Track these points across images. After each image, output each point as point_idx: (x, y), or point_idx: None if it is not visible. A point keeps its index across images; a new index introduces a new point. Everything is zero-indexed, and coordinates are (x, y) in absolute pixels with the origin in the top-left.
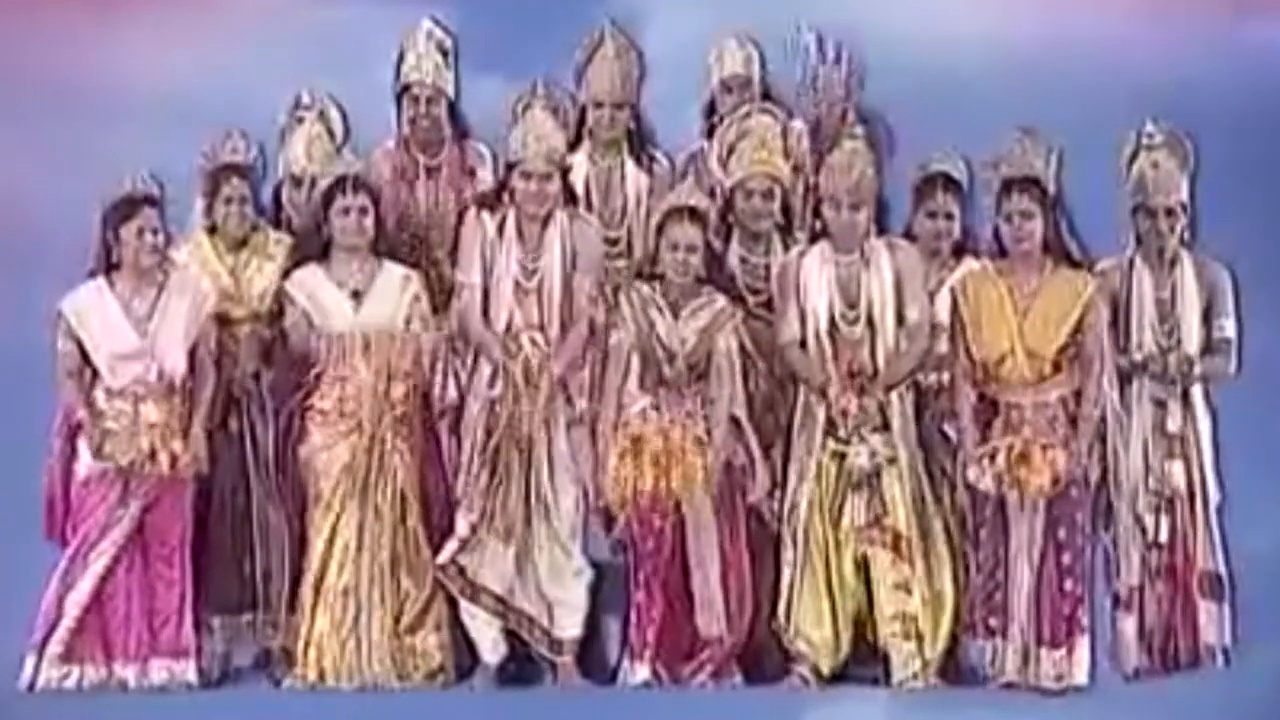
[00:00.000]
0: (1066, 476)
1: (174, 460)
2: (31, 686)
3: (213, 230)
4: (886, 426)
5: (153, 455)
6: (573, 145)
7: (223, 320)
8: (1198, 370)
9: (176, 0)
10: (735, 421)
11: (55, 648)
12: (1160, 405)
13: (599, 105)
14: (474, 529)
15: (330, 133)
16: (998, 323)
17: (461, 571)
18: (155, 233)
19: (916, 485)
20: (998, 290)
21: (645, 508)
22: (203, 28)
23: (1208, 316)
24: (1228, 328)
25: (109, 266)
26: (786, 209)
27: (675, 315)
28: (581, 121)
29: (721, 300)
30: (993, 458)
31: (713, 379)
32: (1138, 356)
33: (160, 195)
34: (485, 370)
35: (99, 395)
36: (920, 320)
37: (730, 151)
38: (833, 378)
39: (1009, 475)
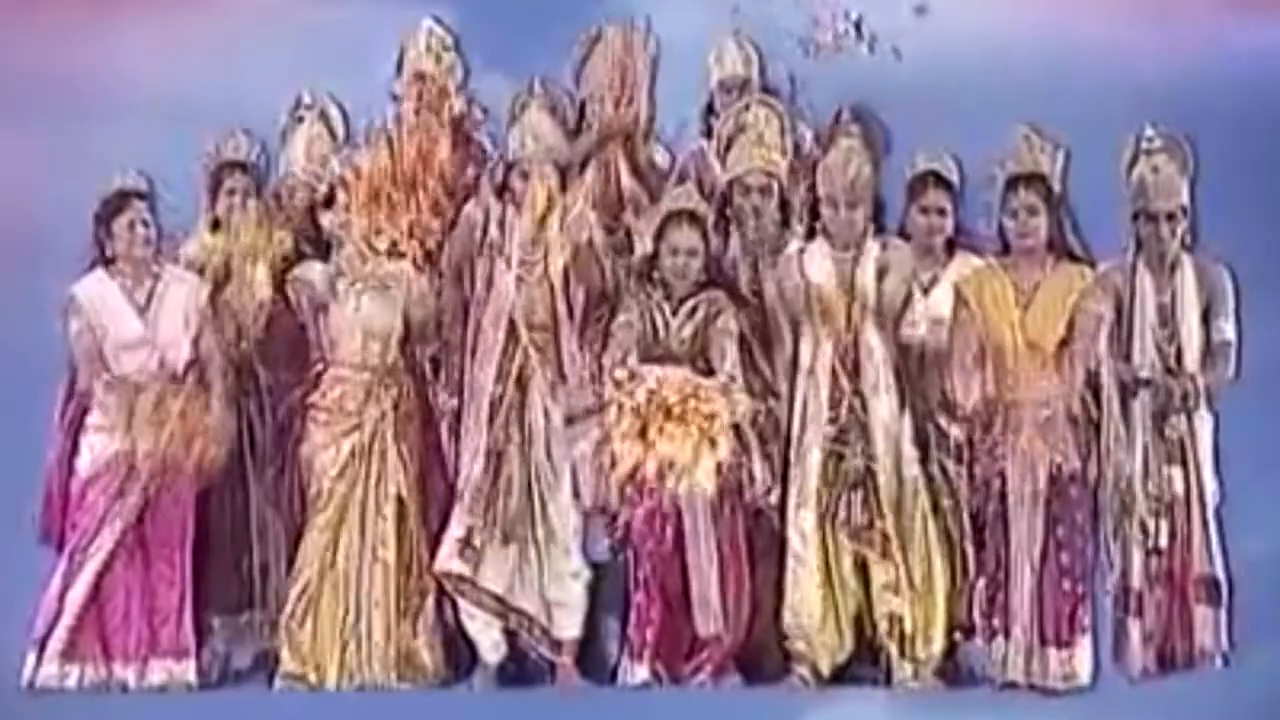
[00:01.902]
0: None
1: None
2: (32, 685)
3: (216, 226)
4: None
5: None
6: (585, 152)
7: (225, 315)
8: (1201, 385)
9: (177, 0)
10: (735, 425)
11: (56, 645)
12: (1161, 410)
13: (598, 100)
14: (473, 530)
15: (330, 133)
16: (1000, 315)
17: (460, 573)
18: (146, 225)
19: (906, 486)
20: (1001, 284)
21: (646, 508)
22: (203, 28)
23: (1207, 318)
24: (1227, 330)
25: (106, 261)
26: (784, 203)
27: (674, 313)
28: (581, 117)
29: (716, 292)
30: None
31: (714, 355)
32: (1143, 373)
33: (150, 189)
34: (486, 367)
35: (98, 386)
36: (894, 293)
37: (728, 146)
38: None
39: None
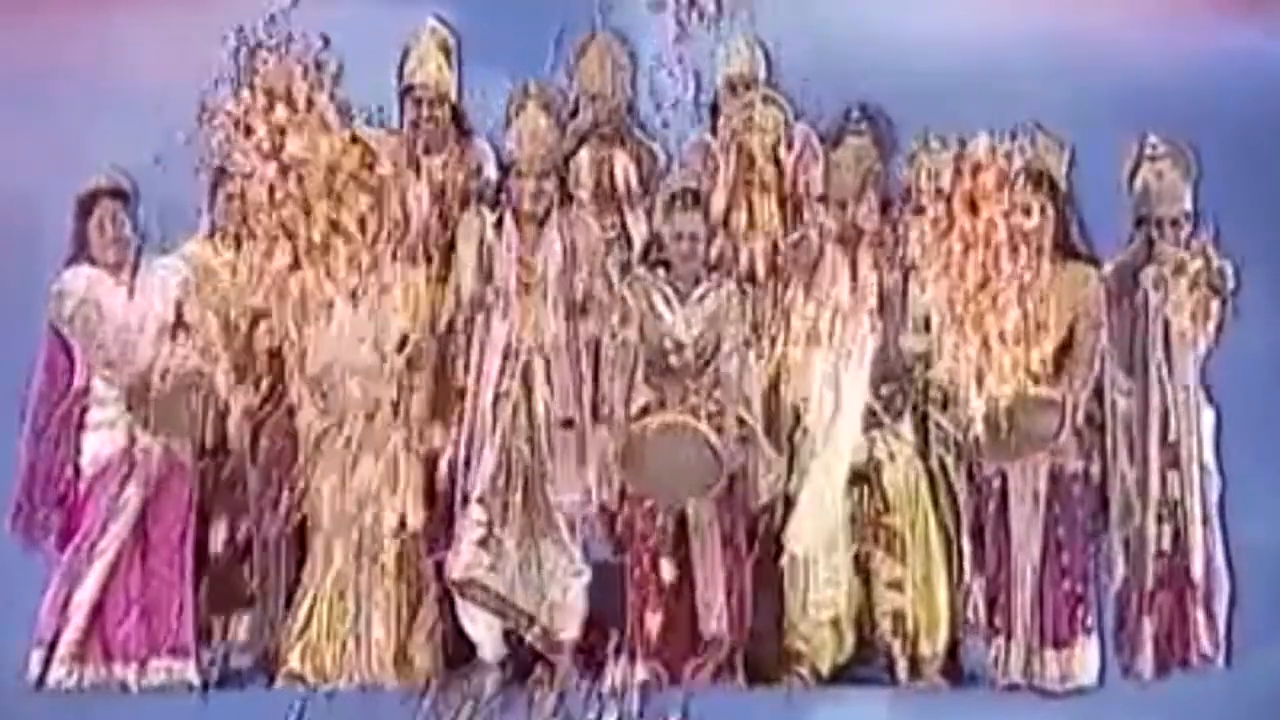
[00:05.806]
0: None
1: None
2: (40, 685)
3: (214, 228)
4: (881, 425)
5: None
6: (577, 141)
7: (223, 317)
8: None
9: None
10: (740, 420)
11: (66, 646)
12: (1164, 412)
13: (593, 99)
14: (492, 529)
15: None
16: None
17: (476, 578)
18: (118, 223)
19: (913, 483)
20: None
21: (647, 508)
22: (202, 27)
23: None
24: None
25: (89, 261)
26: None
27: (682, 302)
28: (575, 115)
29: (728, 285)
30: None
31: (722, 365)
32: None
33: (134, 188)
34: (488, 368)
35: (98, 383)
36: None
37: (733, 143)
38: None
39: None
